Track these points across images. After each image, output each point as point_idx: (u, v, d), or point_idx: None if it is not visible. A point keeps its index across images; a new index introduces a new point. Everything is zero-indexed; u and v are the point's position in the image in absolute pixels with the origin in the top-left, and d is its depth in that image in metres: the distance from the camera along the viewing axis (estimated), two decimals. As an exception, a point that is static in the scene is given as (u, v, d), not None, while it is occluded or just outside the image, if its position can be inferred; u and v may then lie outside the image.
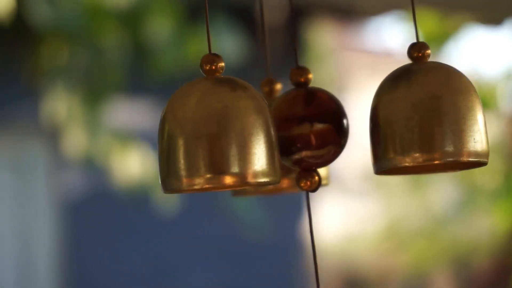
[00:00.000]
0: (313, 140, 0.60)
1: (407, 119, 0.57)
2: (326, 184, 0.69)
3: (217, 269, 3.06)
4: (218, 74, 0.57)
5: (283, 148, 0.60)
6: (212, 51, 0.59)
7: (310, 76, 0.62)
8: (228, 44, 2.08)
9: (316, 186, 0.61)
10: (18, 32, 2.10)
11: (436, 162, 0.57)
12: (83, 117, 1.97)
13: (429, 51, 0.61)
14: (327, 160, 0.62)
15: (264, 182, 0.55)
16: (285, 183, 0.69)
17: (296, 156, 0.60)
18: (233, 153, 0.54)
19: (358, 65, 4.96)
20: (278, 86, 0.72)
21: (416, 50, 0.61)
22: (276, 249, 3.13)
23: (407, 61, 0.62)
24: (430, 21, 2.55)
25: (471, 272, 4.62)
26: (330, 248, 4.65)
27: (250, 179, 0.55)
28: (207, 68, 0.58)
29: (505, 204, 2.27)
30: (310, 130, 0.60)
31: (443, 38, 2.60)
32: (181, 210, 2.63)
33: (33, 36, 2.00)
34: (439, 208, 4.86)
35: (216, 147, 0.54)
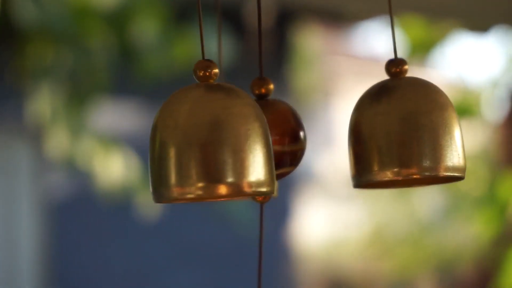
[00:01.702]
0: (298, 156, 0.60)
1: (389, 134, 0.58)
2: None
3: (199, 273, 3.05)
4: (211, 81, 0.56)
5: (282, 158, 0.59)
6: (201, 53, 0.58)
7: (272, 87, 0.61)
8: (217, 47, 2.07)
9: (269, 198, 0.60)
10: (4, 32, 2.08)
11: (415, 176, 0.58)
12: (67, 118, 1.95)
13: (406, 67, 0.62)
14: (286, 175, 0.61)
15: (260, 192, 0.53)
16: None
17: (288, 170, 0.60)
18: (228, 161, 0.52)
19: (345, 70, 4.96)
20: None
21: (395, 65, 0.62)
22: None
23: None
24: (416, 27, 2.55)
25: (455, 279, 4.63)
26: (314, 253, 4.65)
27: (246, 189, 0.53)
28: (201, 74, 0.56)
29: (489, 212, 2.28)
30: (301, 147, 0.60)
31: (429, 44, 2.60)
32: (163, 214, 2.62)
33: (18, 36, 1.99)
34: (424, 214, 4.87)
35: (209, 155, 0.52)
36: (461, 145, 0.59)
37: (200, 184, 0.52)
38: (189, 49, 2.09)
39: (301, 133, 0.60)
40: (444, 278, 4.71)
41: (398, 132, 0.58)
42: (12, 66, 2.17)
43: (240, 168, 0.53)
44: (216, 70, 0.56)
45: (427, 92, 0.59)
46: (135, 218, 2.52)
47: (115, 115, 2.86)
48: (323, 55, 4.36)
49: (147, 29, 2.01)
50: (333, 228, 4.91)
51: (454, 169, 0.58)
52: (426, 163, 0.57)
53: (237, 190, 0.53)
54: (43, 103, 1.97)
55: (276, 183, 0.65)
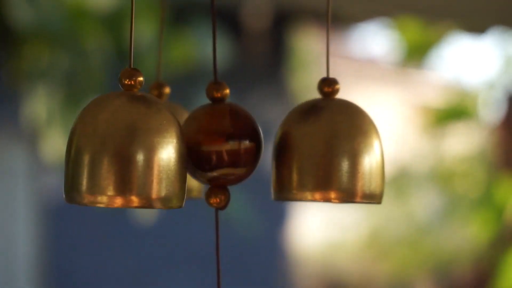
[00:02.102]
0: (241, 157, 0.59)
1: (312, 156, 0.58)
2: (198, 197, 0.68)
3: (197, 276, 3.05)
4: (136, 90, 0.56)
5: (203, 162, 0.59)
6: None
7: (227, 91, 0.61)
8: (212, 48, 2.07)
9: (226, 203, 0.60)
10: (-1, 33, 2.08)
11: (333, 201, 0.59)
12: (63, 120, 1.95)
13: (338, 87, 0.63)
14: (241, 178, 0.61)
15: (170, 206, 0.54)
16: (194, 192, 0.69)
17: (215, 173, 0.59)
18: (139, 174, 0.53)
19: (342, 72, 4.96)
20: (167, 90, 0.72)
21: (327, 85, 0.62)
22: (257, 255, 3.12)
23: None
24: (413, 29, 2.55)
25: (452, 281, 4.63)
26: (311, 255, 4.65)
27: (155, 203, 0.53)
28: (126, 82, 0.57)
29: (486, 214, 2.28)
30: (239, 148, 0.59)
31: (426, 46, 2.60)
32: (160, 216, 2.62)
33: (13, 38, 1.98)
34: (421, 216, 4.87)
35: (121, 166, 0.53)
36: (380, 172, 0.60)
37: (111, 194, 0.53)
38: (185, 51, 2.09)
39: (257, 135, 0.60)
40: (441, 280, 4.71)
41: (320, 155, 0.58)
42: (7, 68, 2.16)
43: (151, 183, 0.53)
44: (141, 79, 0.57)
45: (353, 117, 0.60)
46: (132, 220, 2.52)
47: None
48: (320, 57, 4.36)
49: (143, 31, 2.01)
50: (330, 230, 4.91)
51: (371, 196, 0.60)
52: (344, 189, 0.58)
53: (146, 203, 0.53)
54: (39, 105, 1.96)
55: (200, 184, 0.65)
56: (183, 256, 3.04)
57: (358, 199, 0.59)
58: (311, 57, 3.95)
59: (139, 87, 0.57)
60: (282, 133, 0.60)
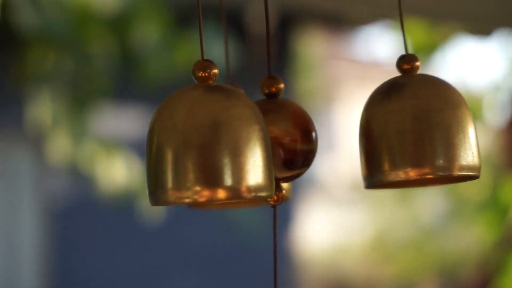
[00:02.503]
0: (310, 157, 0.59)
1: (400, 132, 0.56)
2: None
3: (202, 278, 3.05)
4: (210, 82, 0.54)
5: (291, 160, 0.58)
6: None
7: (282, 86, 0.60)
8: (218, 51, 2.08)
9: (282, 200, 0.59)
10: (4, 37, 2.08)
11: (428, 176, 0.56)
12: (68, 124, 1.95)
13: (418, 63, 0.60)
14: (297, 177, 0.60)
15: (260, 196, 0.52)
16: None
17: (300, 171, 0.58)
18: (227, 165, 0.51)
19: (347, 75, 4.96)
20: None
21: (406, 62, 0.60)
22: (261, 258, 3.11)
23: (395, 71, 0.61)
24: (418, 31, 2.55)
25: (457, 283, 4.62)
26: (317, 258, 4.64)
27: (245, 193, 0.51)
28: (200, 74, 0.54)
29: (491, 216, 2.28)
30: (313, 148, 0.58)
31: (431, 48, 2.60)
32: (166, 219, 2.62)
33: (18, 41, 1.99)
34: (426, 219, 4.86)
35: (207, 158, 0.51)
36: (475, 143, 0.57)
37: (198, 188, 0.51)
38: (191, 53, 2.09)
39: (313, 134, 0.59)
40: (446, 283, 4.70)
41: (410, 131, 0.56)
42: (12, 72, 2.17)
43: (240, 172, 0.51)
44: (216, 71, 0.55)
45: (440, 89, 0.57)
46: (138, 222, 2.52)
47: (117, 120, 2.86)
48: (325, 60, 4.36)
49: (148, 34, 2.01)
50: (335, 233, 4.90)
51: (469, 168, 0.57)
52: (440, 163, 0.56)
53: (235, 194, 0.51)
54: (44, 108, 1.97)
55: (289, 185, 0.64)
56: (189, 257, 3.04)
57: (456, 172, 0.55)
58: (316, 60, 3.95)
59: (214, 78, 0.54)
60: (366, 116, 0.58)
